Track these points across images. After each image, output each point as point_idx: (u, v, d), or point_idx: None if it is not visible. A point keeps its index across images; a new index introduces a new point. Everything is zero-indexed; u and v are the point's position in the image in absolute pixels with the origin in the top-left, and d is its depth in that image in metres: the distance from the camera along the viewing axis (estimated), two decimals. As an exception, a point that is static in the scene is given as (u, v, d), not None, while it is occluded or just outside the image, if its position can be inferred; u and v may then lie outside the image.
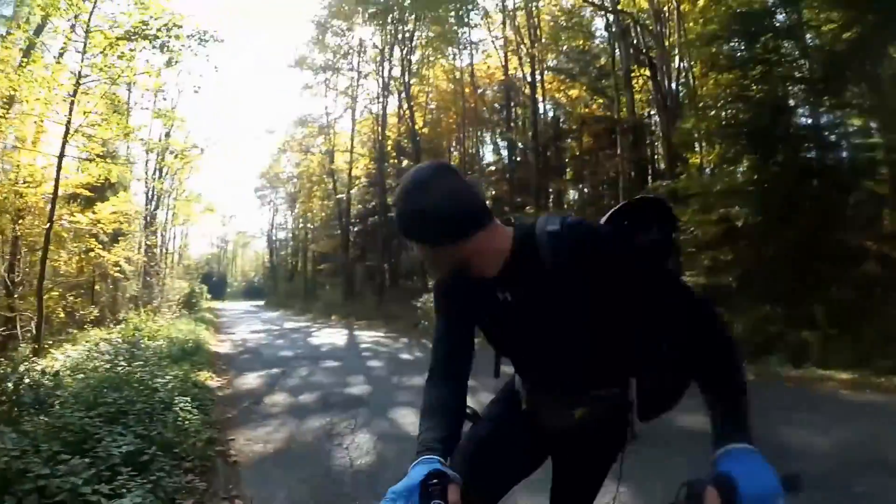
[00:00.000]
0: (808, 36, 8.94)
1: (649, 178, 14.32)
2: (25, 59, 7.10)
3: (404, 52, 22.09)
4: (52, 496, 2.80)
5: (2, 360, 5.83)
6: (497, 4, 18.46)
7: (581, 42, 17.51)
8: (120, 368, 6.20)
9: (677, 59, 12.61)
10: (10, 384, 4.59)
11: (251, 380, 8.14)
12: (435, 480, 0.97)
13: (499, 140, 24.00)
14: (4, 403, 4.34)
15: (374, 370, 8.91)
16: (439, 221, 1.08)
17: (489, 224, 1.14)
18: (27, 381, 4.81)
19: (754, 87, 8.95)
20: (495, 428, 1.40)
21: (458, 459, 1.22)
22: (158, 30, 7.65)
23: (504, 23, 19.16)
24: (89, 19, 7.44)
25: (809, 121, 9.34)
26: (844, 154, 9.10)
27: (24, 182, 8.63)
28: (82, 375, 5.71)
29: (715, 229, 9.43)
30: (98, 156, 9.38)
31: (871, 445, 3.93)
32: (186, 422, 4.70)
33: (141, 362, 6.96)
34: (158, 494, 3.25)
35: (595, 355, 1.23)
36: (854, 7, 7.83)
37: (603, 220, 1.39)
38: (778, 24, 9.10)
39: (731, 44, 9.63)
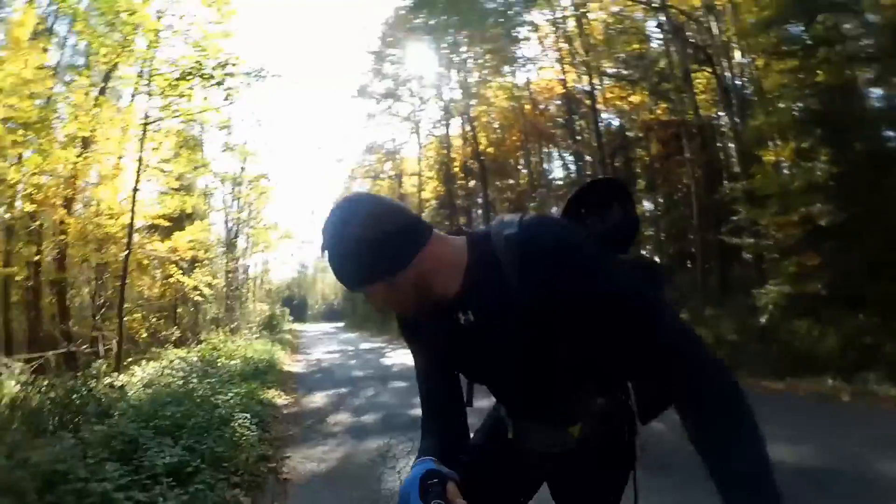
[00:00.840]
0: (868, 13, 8.04)
1: (723, 181, 13.41)
2: (97, 103, 7.85)
3: (461, 74, 22.37)
4: (88, 498, 2.95)
5: (77, 374, 6.31)
6: (545, 16, 18.26)
7: (637, 46, 16.87)
8: (191, 385, 6.55)
9: (737, 52, 11.86)
10: (76, 396, 4.97)
11: (318, 398, 8.32)
12: (435, 480, 0.96)
13: (565, 154, 23.59)
14: (71, 413, 4.68)
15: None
16: (368, 256, 0.95)
17: (430, 238, 1.00)
18: (94, 393, 5.20)
19: (819, 72, 8.19)
20: (480, 460, 1.26)
21: None
22: (214, 68, 8.17)
23: (556, 34, 18.95)
24: (151, 64, 8.13)
25: (884, 104, 8.42)
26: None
27: (105, 215, 9.47)
28: (150, 391, 6.07)
29: (797, 231, 8.67)
30: (173, 189, 10.15)
31: None
32: (242, 437, 4.82)
33: (212, 379, 7.33)
34: (194, 505, 3.33)
35: (579, 368, 1.07)
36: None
37: (561, 209, 1.26)
38: (834, 1, 8.27)
39: (790, 28, 8.89)
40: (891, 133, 8.17)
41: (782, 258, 9.02)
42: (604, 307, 0.93)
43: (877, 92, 8.75)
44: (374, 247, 0.94)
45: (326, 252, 0.98)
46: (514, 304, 0.97)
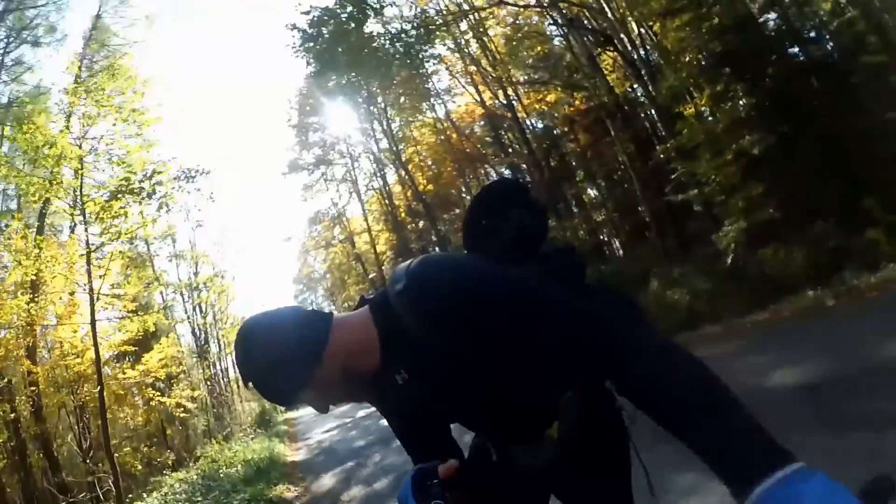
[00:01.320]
0: None
1: (655, 147, 13.96)
2: (36, 244, 7.63)
3: (384, 123, 22.81)
4: None
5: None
6: (447, 45, 18.96)
7: (540, 48, 17.69)
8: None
9: (633, 25, 12.54)
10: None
11: (327, 480, 8.03)
12: (435, 480, 0.92)
13: (502, 170, 24.11)
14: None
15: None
16: (281, 375, 0.97)
17: (331, 328, 0.98)
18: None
19: (714, 16, 8.63)
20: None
21: None
22: (141, 181, 8.09)
23: (462, 59, 19.66)
24: (80, 191, 7.98)
25: (783, 25, 8.96)
26: (830, 42, 8.64)
27: (70, 354, 9.09)
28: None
29: (734, 168, 8.96)
30: (131, 312, 9.83)
31: None
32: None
33: (217, 493, 6.96)
34: None
35: (530, 384, 1.03)
36: None
37: (464, 227, 1.23)
38: None
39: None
40: (794, 49, 8.65)
41: (728, 198, 9.25)
42: (512, 323, 0.88)
43: (772, 16, 9.26)
44: (282, 365, 0.95)
45: (246, 380, 1.01)
46: (434, 354, 0.95)
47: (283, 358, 0.95)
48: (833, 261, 6.95)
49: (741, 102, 8.57)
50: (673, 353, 0.81)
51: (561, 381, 1.09)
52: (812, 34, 8.54)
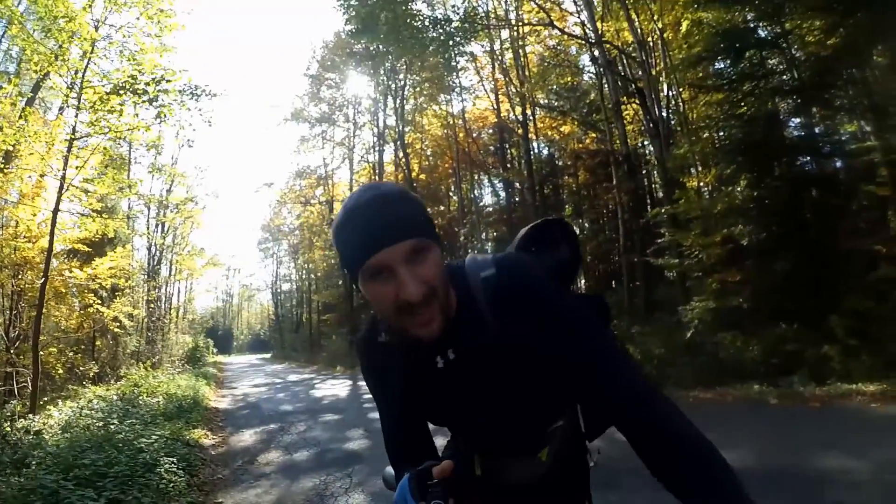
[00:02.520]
0: (794, 48, 8.96)
1: (648, 206, 14.28)
2: (22, 114, 7.20)
3: (397, 101, 22.63)
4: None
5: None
6: (483, 47, 18.98)
7: (569, 78, 17.89)
8: (112, 427, 6.01)
9: (665, 86, 12.79)
10: (-10, 444, 4.43)
11: (247, 437, 7.85)
12: (434, 480, 0.92)
13: (496, 181, 24.26)
14: (-14, 462, 4.15)
15: (375, 423, 8.50)
16: (423, 209, 0.92)
17: None
18: (8, 439, 4.65)
19: (744, 104, 8.92)
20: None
21: None
22: (147, 83, 7.75)
23: (493, 65, 19.70)
24: (83, 75, 7.58)
25: (803, 132, 9.31)
26: (840, 161, 9.04)
27: (22, 237, 8.63)
28: (68, 435, 5.51)
29: (719, 251, 9.27)
30: (95, 211, 9.42)
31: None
32: (170, 484, 4.48)
33: (134, 420, 6.77)
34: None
35: (546, 398, 1.11)
36: (835, 12, 7.87)
37: (512, 246, 1.29)
38: (761, 39, 9.11)
39: (717, 64, 9.67)
40: (807, 159, 9.00)
41: (705, 276, 9.59)
42: (566, 340, 0.95)
43: (796, 121, 9.60)
44: (421, 207, 0.92)
45: (367, 202, 0.88)
46: (493, 343, 0.99)
47: (421, 203, 0.93)
48: (786, 363, 7.26)
49: (743, 192, 8.83)
50: (681, 415, 0.89)
51: (563, 405, 1.18)
52: (827, 149, 8.84)
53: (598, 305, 1.28)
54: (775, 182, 8.49)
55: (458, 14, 14.06)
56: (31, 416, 6.48)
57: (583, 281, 22.24)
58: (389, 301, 0.88)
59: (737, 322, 8.65)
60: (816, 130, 9.08)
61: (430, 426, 1.18)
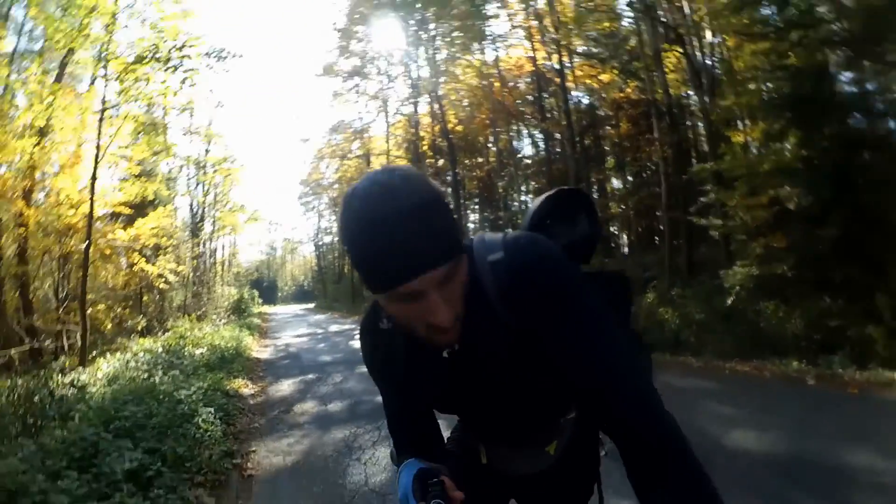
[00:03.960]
0: None
1: (693, 160, 13.57)
2: (53, 91, 7.45)
3: (430, 51, 21.95)
4: (47, 512, 2.83)
5: (40, 372, 6.07)
6: (515, -9, 18.02)
7: (607, 24, 16.78)
8: (156, 378, 6.38)
9: (708, 33, 11.86)
10: (37, 398, 4.77)
11: (286, 387, 8.21)
12: (434, 479, 0.94)
13: (534, 132, 23.53)
14: (32, 416, 4.48)
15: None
16: (448, 219, 0.79)
17: None
18: (54, 394, 5.00)
19: (791, 55, 8.14)
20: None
21: None
22: (171, 50, 7.80)
23: (526, 11, 18.72)
24: (107, 47, 7.71)
25: (854, 88, 8.48)
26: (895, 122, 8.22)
27: (65, 204, 9.09)
28: (114, 387, 5.87)
29: (765, 213, 8.71)
30: (134, 175, 9.78)
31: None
32: (206, 434, 4.71)
33: (177, 371, 7.16)
34: (154, 511, 3.23)
35: (556, 391, 1.02)
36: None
37: (526, 219, 1.19)
38: None
39: (763, 10, 8.82)
40: (859, 117, 8.26)
41: (749, 239, 9.08)
42: (573, 335, 0.88)
43: (847, 75, 8.74)
44: (449, 220, 0.79)
45: (390, 216, 0.74)
46: (502, 331, 0.93)
47: (447, 212, 0.80)
48: (828, 340, 6.88)
49: (791, 150, 8.21)
50: (675, 428, 0.83)
51: (569, 400, 1.12)
52: (880, 107, 8.03)
53: (618, 283, 1.21)
54: (825, 141, 7.79)
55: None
56: (80, 369, 6.97)
57: (625, 237, 21.80)
58: (415, 320, 0.83)
59: (780, 291, 8.20)
60: (869, 87, 8.24)
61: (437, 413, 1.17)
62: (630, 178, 20.59)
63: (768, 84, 9.09)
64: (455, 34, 20.71)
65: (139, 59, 7.68)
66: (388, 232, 0.74)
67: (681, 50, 11.99)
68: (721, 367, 7.35)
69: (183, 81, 8.14)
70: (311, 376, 8.82)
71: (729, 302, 8.73)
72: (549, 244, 0.95)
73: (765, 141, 9.20)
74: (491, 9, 17.38)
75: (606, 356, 0.87)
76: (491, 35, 20.57)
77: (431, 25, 20.68)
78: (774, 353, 7.28)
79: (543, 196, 1.19)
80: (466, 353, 0.96)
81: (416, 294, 0.78)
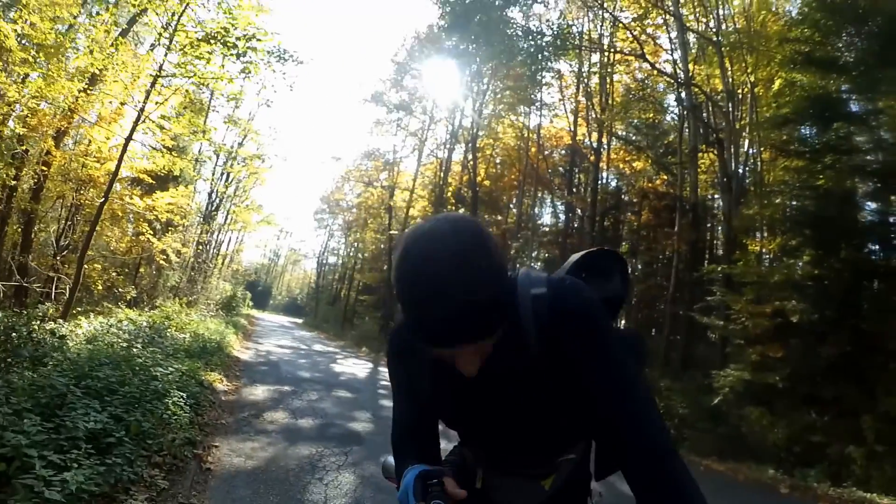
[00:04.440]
0: (882, 129, 8.38)
1: (705, 260, 13.67)
2: (114, 43, 7.61)
3: (477, 104, 22.64)
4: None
5: (22, 312, 5.98)
6: (571, 67, 18.73)
7: (651, 115, 17.38)
8: (134, 350, 6.27)
9: (746, 142, 12.22)
10: (14, 336, 4.69)
11: (259, 392, 8.03)
12: (434, 480, 0.94)
13: (558, 203, 23.90)
14: (4, 352, 4.40)
15: (385, 409, 8.50)
16: (488, 302, 0.79)
17: None
18: (33, 336, 4.91)
19: (822, 177, 8.41)
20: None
21: None
22: (238, 38, 8.03)
23: (577, 86, 19.40)
24: (179, 18, 7.94)
25: (876, 218, 8.66)
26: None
27: (92, 156, 9.15)
28: (91, 347, 5.78)
29: (767, 323, 8.80)
30: (166, 147, 9.88)
31: None
32: (173, 416, 4.60)
33: (156, 349, 7.04)
34: (108, 479, 3.10)
35: (567, 425, 1.07)
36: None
37: (564, 268, 1.24)
38: (852, 112, 8.64)
39: (803, 129, 9.20)
40: (876, 247, 8.40)
41: (747, 345, 9.14)
42: (601, 374, 0.92)
43: (871, 205, 8.96)
44: (497, 297, 0.81)
45: (422, 301, 0.79)
46: (529, 362, 0.97)
47: (500, 285, 0.81)
48: (807, 453, 6.85)
49: (804, 267, 8.33)
50: (685, 474, 0.85)
51: (578, 438, 1.16)
52: None
53: (635, 344, 1.22)
54: (838, 264, 7.95)
55: (551, 29, 13.92)
56: (60, 321, 6.86)
57: (623, 322, 21.65)
58: (444, 356, 0.90)
59: (768, 399, 8.22)
60: (891, 219, 8.43)
61: (441, 426, 1.18)
62: (640, 267, 20.68)
63: (794, 201, 9.29)
64: (506, 93, 21.40)
65: (206, 38, 7.89)
66: (431, 299, 0.78)
67: (716, 153, 12.28)
68: (696, 464, 7.20)
69: (242, 71, 8.38)
70: (286, 388, 8.63)
71: (715, 401, 8.74)
72: (591, 291, 1.00)
73: (779, 254, 9.32)
74: (546, 77, 18.02)
75: (631, 390, 0.91)
76: (539, 102, 21.24)
77: (485, 80, 21.41)
78: (752, 457, 7.29)
79: (584, 251, 1.24)
80: (488, 376, 0.97)
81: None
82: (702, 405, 9.08)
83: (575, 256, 1.24)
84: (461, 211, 25.60)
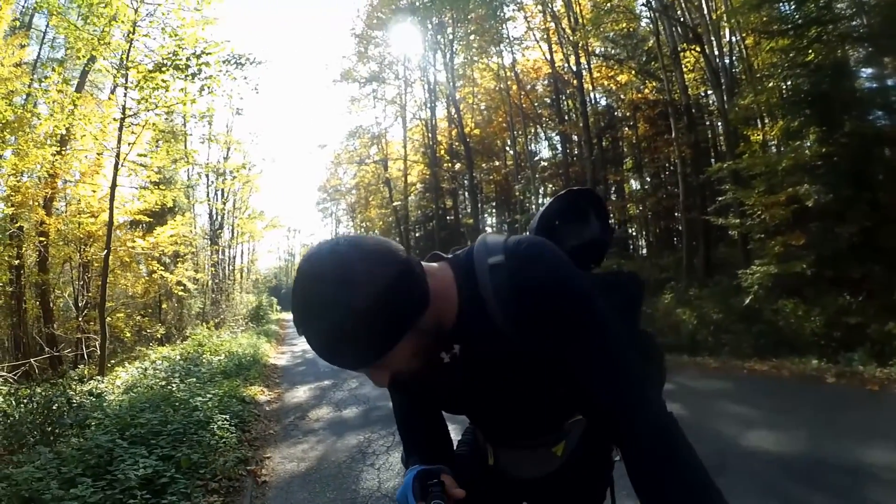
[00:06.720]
0: None
1: (711, 160, 13.34)
2: (73, 99, 7.57)
3: (447, 56, 21.98)
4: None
5: (59, 381, 6.17)
6: (531, -7, 17.94)
7: (624, 25, 16.61)
8: (172, 386, 6.46)
9: (727, 31, 11.65)
10: (55, 406, 4.86)
11: (301, 393, 8.27)
12: (434, 480, 0.95)
13: (553, 135, 23.36)
14: (49, 424, 4.57)
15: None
16: (373, 327, 0.74)
17: (426, 281, 0.82)
18: (72, 403, 5.09)
19: (811, 51, 7.98)
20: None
21: None
22: (188, 58, 7.88)
23: (543, 12, 18.63)
24: (127, 56, 7.82)
25: (874, 84, 8.26)
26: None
27: (85, 213, 9.25)
28: (131, 395, 5.96)
29: (783, 212, 8.58)
30: (153, 183, 9.91)
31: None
32: (220, 441, 4.75)
33: (194, 379, 7.24)
34: (168, 517, 3.25)
35: (565, 393, 0.98)
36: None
37: (534, 221, 1.16)
38: None
39: (781, 6, 8.69)
40: (880, 114, 8.07)
41: (768, 238, 8.95)
42: (578, 350, 0.86)
43: (867, 72, 8.57)
44: (384, 310, 0.73)
45: (309, 324, 0.75)
46: (501, 341, 0.89)
47: (388, 300, 0.73)
48: (847, 337, 6.72)
49: (811, 147, 8.03)
50: (677, 442, 0.82)
51: (574, 404, 1.09)
52: None
53: (632, 285, 1.18)
54: (844, 138, 7.60)
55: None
56: (98, 377, 7.08)
57: (643, 238, 21.49)
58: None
59: (798, 289, 8.06)
60: (889, 83, 8.01)
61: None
62: (648, 180, 20.33)
63: (787, 82, 8.91)
64: (472, 38, 20.72)
65: (158, 67, 7.77)
66: (309, 330, 0.75)
67: (699, 49, 11.78)
68: (738, 367, 7.23)
69: (201, 89, 8.23)
70: (326, 382, 8.86)
71: (747, 301, 8.61)
72: (553, 252, 0.89)
73: (784, 139, 9.03)
74: (508, 12, 17.30)
75: (616, 374, 0.85)
76: (508, 38, 20.52)
77: (449, 29, 20.74)
78: (793, 351, 7.18)
79: (554, 197, 1.17)
80: (466, 358, 0.94)
81: None
82: (733, 308, 8.96)
83: (546, 204, 1.17)
84: (457, 165, 25.26)
